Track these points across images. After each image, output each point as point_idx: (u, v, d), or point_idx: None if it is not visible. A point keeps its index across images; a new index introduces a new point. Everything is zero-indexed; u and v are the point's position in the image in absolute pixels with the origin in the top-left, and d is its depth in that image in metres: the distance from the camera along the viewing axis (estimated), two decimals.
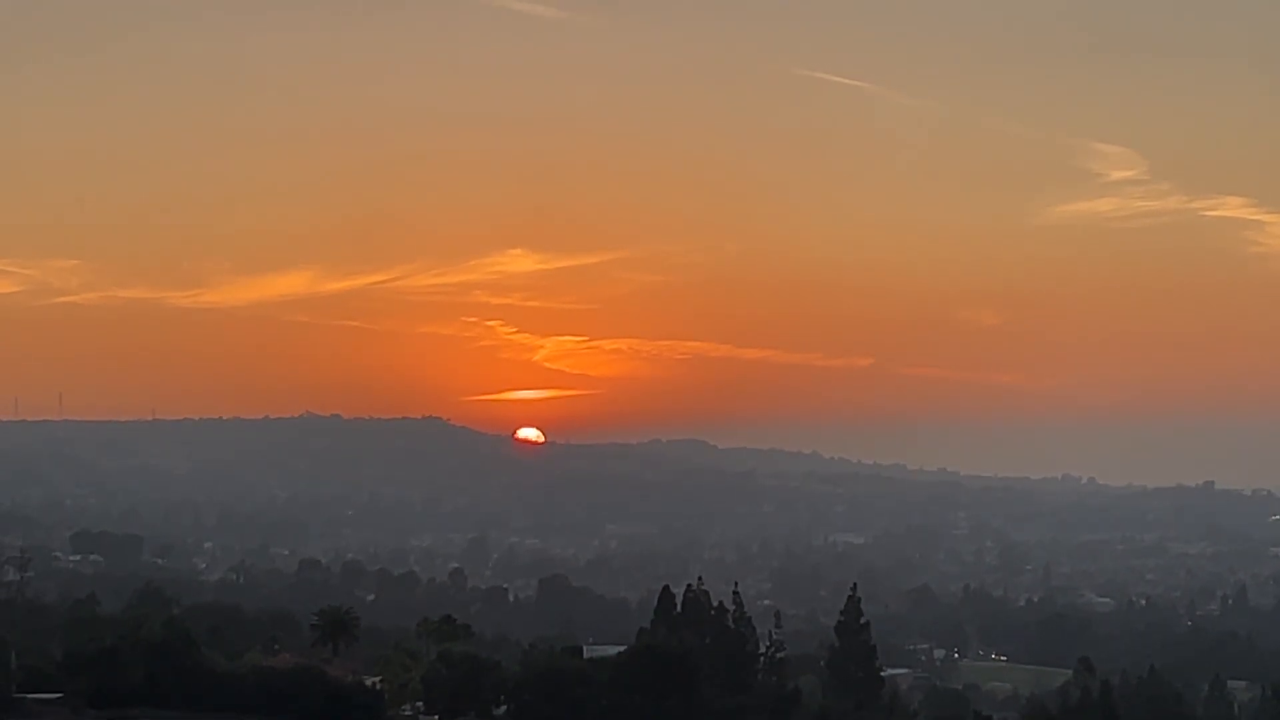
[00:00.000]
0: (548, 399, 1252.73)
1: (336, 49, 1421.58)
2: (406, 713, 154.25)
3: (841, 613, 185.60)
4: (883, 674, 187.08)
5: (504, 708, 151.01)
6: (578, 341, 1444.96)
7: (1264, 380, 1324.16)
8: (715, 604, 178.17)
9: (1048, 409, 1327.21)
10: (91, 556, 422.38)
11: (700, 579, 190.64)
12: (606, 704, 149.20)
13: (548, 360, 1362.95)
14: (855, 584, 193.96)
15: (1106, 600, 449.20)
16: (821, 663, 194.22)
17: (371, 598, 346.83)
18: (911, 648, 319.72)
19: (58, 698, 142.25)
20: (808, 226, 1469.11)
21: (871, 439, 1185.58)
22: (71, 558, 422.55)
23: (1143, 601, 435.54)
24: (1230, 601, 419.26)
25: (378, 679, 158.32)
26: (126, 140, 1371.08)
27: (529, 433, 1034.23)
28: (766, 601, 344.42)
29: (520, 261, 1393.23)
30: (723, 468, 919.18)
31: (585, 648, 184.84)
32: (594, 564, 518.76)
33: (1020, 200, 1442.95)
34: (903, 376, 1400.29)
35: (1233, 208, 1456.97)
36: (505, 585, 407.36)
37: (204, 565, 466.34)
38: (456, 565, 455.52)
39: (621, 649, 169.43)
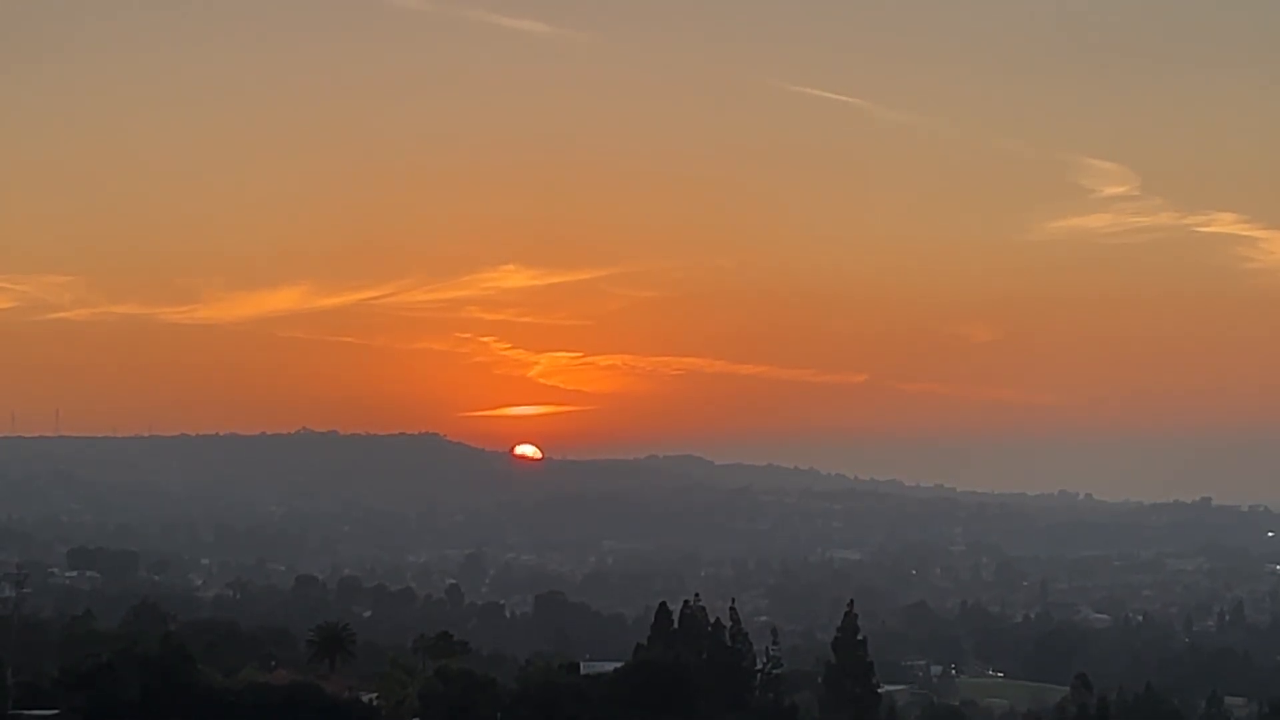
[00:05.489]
0: (543, 415, 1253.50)
1: (330, 65, 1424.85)
2: None
3: (838, 629, 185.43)
4: (880, 690, 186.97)
5: None
6: (572, 357, 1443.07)
7: (1259, 396, 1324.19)
8: (712, 620, 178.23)
9: (1043, 425, 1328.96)
10: (88, 573, 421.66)
11: (697, 595, 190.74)
12: None
13: (542, 376, 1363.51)
14: (852, 600, 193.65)
15: (1103, 616, 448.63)
16: (818, 679, 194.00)
17: (368, 614, 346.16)
18: (908, 664, 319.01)
19: (54, 714, 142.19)
20: (801, 242, 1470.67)
21: (868, 455, 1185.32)
22: (68, 574, 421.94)
23: (1139, 618, 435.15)
24: (1227, 618, 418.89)
25: (374, 695, 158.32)
26: (119, 155, 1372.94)
27: (527, 449, 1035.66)
28: (763, 618, 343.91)
29: (513, 277, 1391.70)
30: (719, 484, 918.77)
31: (582, 664, 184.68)
32: (590, 580, 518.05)
33: (1013, 216, 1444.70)
34: (898, 392, 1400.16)
35: (1225, 224, 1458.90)
36: (502, 601, 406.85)
37: (200, 581, 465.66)
38: (453, 581, 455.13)
39: (618, 665, 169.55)
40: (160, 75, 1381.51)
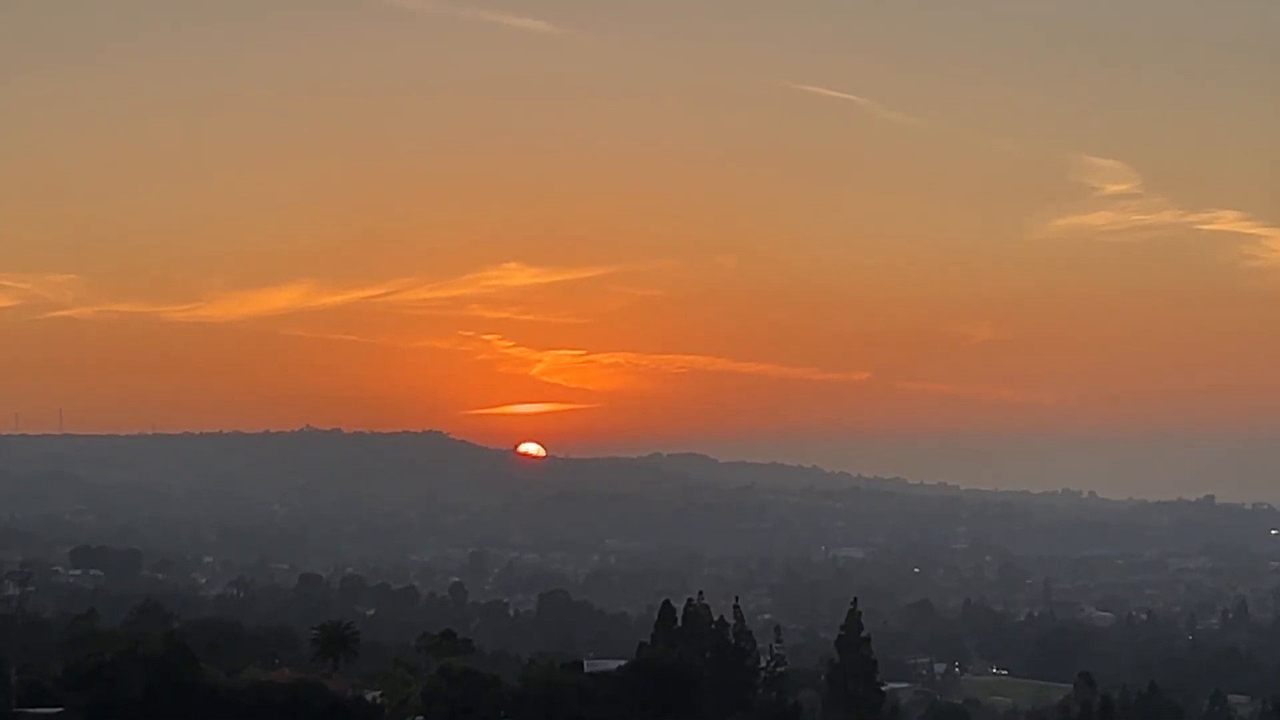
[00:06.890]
0: (546, 413, 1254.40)
1: (330, 65, 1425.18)
2: None
3: (842, 627, 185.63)
4: (883, 688, 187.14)
5: None
6: (575, 355, 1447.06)
7: (1262, 394, 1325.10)
8: (716, 619, 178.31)
9: (1047, 423, 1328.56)
10: (91, 571, 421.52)
11: (700, 594, 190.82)
12: (607, 719, 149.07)
13: (545, 374, 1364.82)
14: (855, 599, 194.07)
15: (1107, 615, 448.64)
16: (822, 677, 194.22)
17: (371, 612, 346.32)
18: (912, 662, 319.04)
19: (57, 713, 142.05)
20: (803, 241, 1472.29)
21: (871, 453, 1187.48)
22: (71, 573, 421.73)
23: (1143, 616, 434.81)
24: (1230, 616, 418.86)
25: (378, 694, 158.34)
26: (121, 154, 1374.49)
27: (530, 447, 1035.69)
28: (766, 616, 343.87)
29: (516, 275, 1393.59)
30: (722, 482, 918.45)
31: (585, 662, 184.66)
32: (594, 578, 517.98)
33: (1015, 214, 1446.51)
34: (901, 391, 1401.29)
35: (1228, 221, 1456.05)
36: (505, 600, 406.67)
37: (203, 580, 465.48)
38: (456, 580, 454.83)
39: (622, 664, 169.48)
40: (161, 75, 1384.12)
